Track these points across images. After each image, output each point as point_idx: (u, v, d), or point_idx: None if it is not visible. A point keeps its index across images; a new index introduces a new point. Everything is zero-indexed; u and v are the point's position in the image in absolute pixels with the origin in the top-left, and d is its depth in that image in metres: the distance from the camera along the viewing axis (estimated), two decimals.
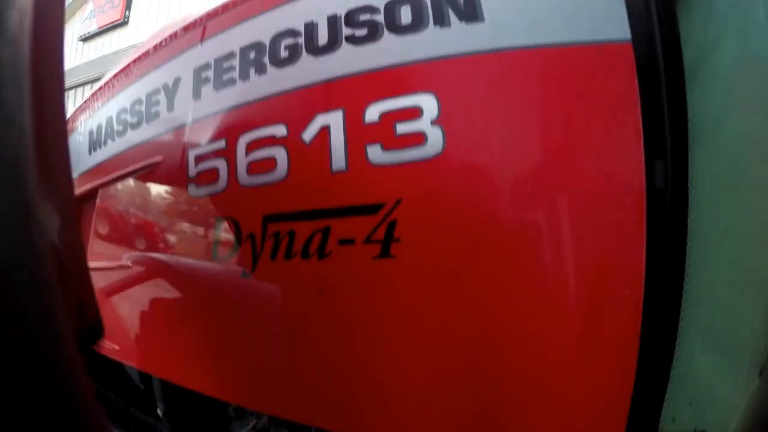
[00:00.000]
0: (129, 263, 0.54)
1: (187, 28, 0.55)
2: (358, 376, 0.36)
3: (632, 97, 0.32)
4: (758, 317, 0.31)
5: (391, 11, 0.37)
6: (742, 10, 0.36)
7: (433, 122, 0.32)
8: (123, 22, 3.77)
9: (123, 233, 0.55)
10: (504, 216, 0.31)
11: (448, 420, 0.34)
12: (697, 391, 0.33)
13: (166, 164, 0.48)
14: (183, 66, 0.51)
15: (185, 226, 0.45)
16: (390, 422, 0.36)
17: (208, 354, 0.47)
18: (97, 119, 0.63)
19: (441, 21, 0.35)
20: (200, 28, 0.52)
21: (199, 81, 0.47)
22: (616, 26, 0.35)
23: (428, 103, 0.33)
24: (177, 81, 0.52)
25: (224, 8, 0.51)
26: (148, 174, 0.51)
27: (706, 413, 0.33)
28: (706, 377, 0.31)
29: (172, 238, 0.47)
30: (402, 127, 0.33)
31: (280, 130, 0.37)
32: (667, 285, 0.31)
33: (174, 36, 0.56)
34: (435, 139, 0.32)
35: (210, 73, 0.46)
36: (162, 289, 0.50)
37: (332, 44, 0.38)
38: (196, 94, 0.47)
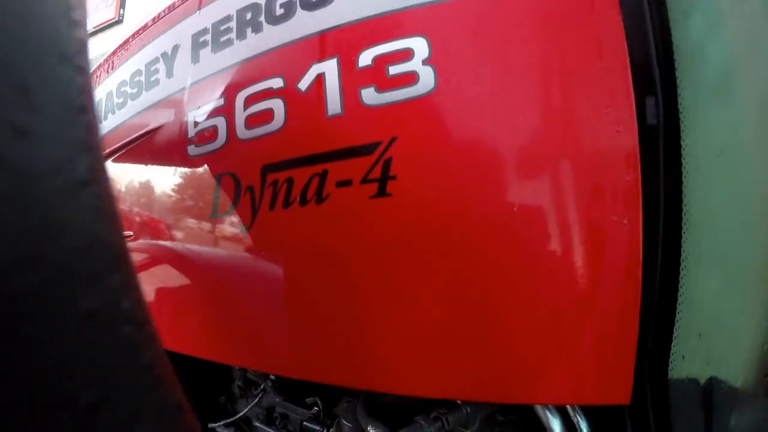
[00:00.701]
0: (131, 232, 0.55)
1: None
2: (362, 323, 0.37)
3: (619, 32, 0.33)
4: (759, 241, 0.32)
5: None
6: None
7: (424, 62, 0.34)
8: (118, 21, 3.79)
9: (125, 203, 0.56)
10: (497, 150, 0.32)
11: (452, 369, 0.35)
12: (705, 320, 0.34)
13: (166, 129, 0.50)
14: (181, 33, 0.52)
15: (185, 186, 0.46)
16: (395, 372, 0.37)
17: (209, 316, 0.48)
18: (98, 96, 0.65)
19: None
20: None
21: (197, 46, 0.49)
22: None
23: (419, 45, 0.34)
24: (176, 48, 0.53)
25: None
26: (148, 141, 0.52)
27: (717, 345, 0.34)
28: (713, 302, 0.32)
29: (171, 201, 0.48)
30: (394, 69, 0.34)
31: (276, 83, 0.38)
32: (666, 212, 0.32)
33: (172, 6, 0.58)
34: (426, 78, 0.33)
35: (208, 37, 0.48)
36: (162, 255, 0.51)
37: None
38: (195, 59, 0.48)
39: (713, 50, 0.31)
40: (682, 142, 0.31)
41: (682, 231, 0.31)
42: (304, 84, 0.37)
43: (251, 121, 0.39)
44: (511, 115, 0.31)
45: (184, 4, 0.54)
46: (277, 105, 0.38)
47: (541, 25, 0.33)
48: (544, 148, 0.31)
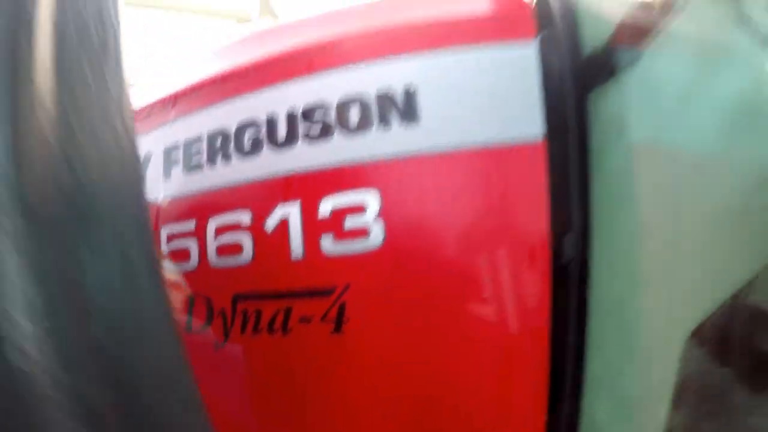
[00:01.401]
0: None
1: (158, 105, 0.60)
2: None
3: (542, 189, 0.40)
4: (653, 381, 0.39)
5: (341, 111, 0.44)
6: (646, 98, 0.44)
7: (375, 217, 0.39)
8: None
9: None
10: (433, 295, 0.38)
11: None
12: None
13: None
14: (154, 142, 0.56)
15: None
16: None
17: None
18: None
19: (385, 122, 0.42)
20: (171, 106, 0.58)
21: (169, 161, 0.53)
22: (534, 123, 0.42)
23: (372, 199, 0.39)
24: (148, 157, 0.57)
25: (193, 89, 0.57)
26: None
27: None
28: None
29: None
30: (349, 222, 0.39)
31: (245, 218, 0.43)
32: (572, 348, 0.39)
33: (146, 110, 0.61)
34: (377, 233, 0.38)
35: (180, 155, 0.52)
36: None
37: (290, 140, 0.44)
38: (167, 174, 0.52)
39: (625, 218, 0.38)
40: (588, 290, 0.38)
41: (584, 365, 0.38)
42: (270, 224, 0.42)
43: (221, 251, 0.44)
44: (447, 268, 0.37)
45: (159, 111, 0.58)
46: (245, 241, 0.42)
47: (480, 181, 0.39)
48: (473, 295, 0.37)
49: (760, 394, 0.53)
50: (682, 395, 0.43)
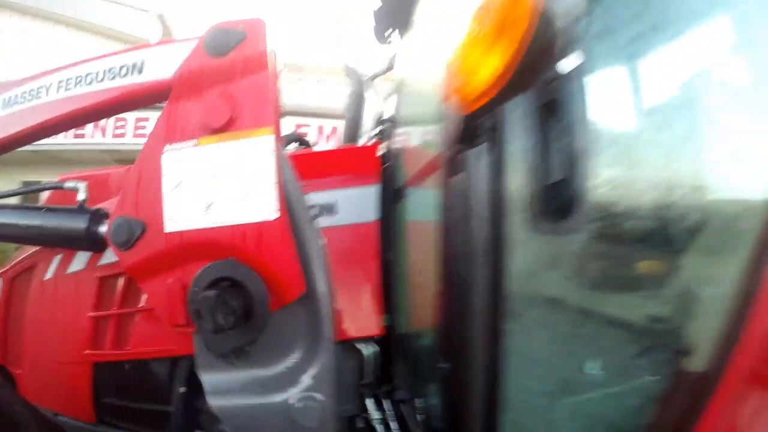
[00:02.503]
0: None
1: None
2: None
3: (375, 240, 1.12)
4: None
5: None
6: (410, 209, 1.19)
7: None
8: None
9: None
10: None
11: None
12: None
13: None
14: None
15: None
16: None
17: None
18: None
19: (329, 212, 1.11)
20: None
21: None
22: (373, 214, 1.14)
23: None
24: None
25: None
26: None
27: None
28: None
29: None
30: None
31: None
32: None
33: None
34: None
35: None
36: None
37: None
38: None
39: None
40: None
41: None
42: None
43: None
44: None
45: None
46: None
47: (353, 244, 1.10)
48: None
49: None
50: None
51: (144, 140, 0.79)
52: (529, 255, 0.63)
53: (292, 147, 1.72)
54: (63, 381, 1.13)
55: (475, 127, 0.51)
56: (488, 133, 0.55)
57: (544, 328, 0.67)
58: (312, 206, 0.83)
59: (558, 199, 0.54)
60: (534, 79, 0.44)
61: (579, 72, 0.54)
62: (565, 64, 0.50)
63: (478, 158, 0.57)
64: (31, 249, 1.15)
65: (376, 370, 1.02)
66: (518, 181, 0.58)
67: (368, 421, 1.02)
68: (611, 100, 0.63)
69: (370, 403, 0.99)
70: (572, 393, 0.78)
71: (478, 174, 0.58)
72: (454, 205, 0.64)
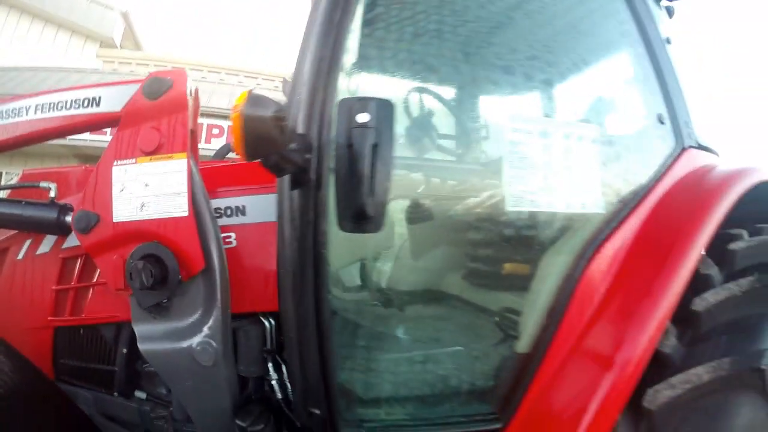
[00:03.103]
0: None
1: None
2: None
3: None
4: None
5: (232, 211, 1.44)
6: None
7: (235, 237, 1.41)
8: None
9: None
10: None
11: None
12: None
13: None
14: None
15: None
16: None
17: None
18: None
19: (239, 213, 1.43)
20: None
21: None
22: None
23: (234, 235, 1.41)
24: None
25: None
26: None
27: None
28: None
29: None
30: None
31: None
32: None
33: None
34: (231, 239, 1.41)
35: None
36: None
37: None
38: None
39: None
40: None
41: None
42: None
43: None
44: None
45: None
46: None
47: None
48: None
49: None
50: None
51: (98, 138, 1.13)
52: (340, 249, 0.98)
53: (229, 156, 2.04)
54: (29, 344, 1.41)
55: (270, 165, 0.84)
56: (304, 163, 0.89)
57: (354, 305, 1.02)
58: (217, 208, 1.17)
59: (360, 208, 0.86)
60: (261, 151, 0.79)
61: (376, 119, 0.86)
62: (359, 118, 0.83)
63: (302, 179, 0.92)
64: (5, 235, 1.44)
65: (276, 339, 1.32)
66: (331, 194, 0.92)
67: (270, 382, 1.32)
68: (398, 139, 0.99)
69: (271, 367, 1.27)
70: (397, 360, 1.13)
71: (302, 191, 0.93)
72: (286, 211, 0.99)
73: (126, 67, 10.19)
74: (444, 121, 1.19)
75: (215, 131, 7.84)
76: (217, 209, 1.21)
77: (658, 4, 1.46)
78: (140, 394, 1.34)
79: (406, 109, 1.17)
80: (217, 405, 1.16)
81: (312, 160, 0.91)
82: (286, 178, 0.94)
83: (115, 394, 1.33)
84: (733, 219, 1.49)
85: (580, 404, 1.05)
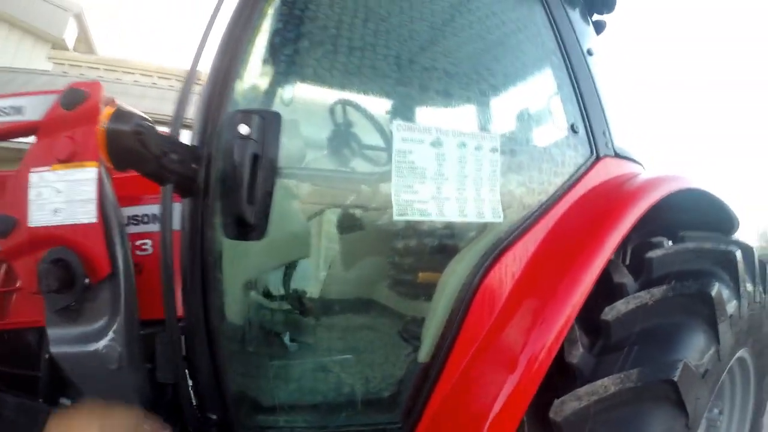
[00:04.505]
0: None
1: None
2: None
3: None
4: None
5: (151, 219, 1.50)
6: None
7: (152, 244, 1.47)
8: None
9: None
10: None
11: None
12: None
13: None
14: None
15: None
16: None
17: None
18: None
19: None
20: None
21: None
22: None
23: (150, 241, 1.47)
24: None
25: None
26: None
27: None
28: None
29: None
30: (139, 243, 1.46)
31: None
32: None
33: None
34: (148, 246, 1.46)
35: None
36: None
37: None
38: None
39: None
40: None
41: None
42: None
43: None
44: None
45: None
46: None
47: None
48: None
49: None
50: None
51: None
52: (245, 258, 1.03)
53: None
54: None
55: (147, 175, 0.90)
56: (190, 172, 0.95)
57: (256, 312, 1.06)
58: (136, 215, 1.22)
59: (240, 216, 0.91)
60: (127, 164, 0.84)
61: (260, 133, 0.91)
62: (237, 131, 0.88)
63: (189, 188, 0.98)
64: None
65: None
66: (218, 204, 0.98)
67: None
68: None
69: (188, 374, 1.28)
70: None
71: (192, 199, 0.98)
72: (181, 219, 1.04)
73: (76, 69, 9.90)
74: (341, 132, 1.24)
75: None
76: (136, 216, 1.26)
77: (586, 18, 1.51)
78: (65, 401, 1.38)
79: (307, 120, 1.23)
80: None
81: (201, 170, 0.96)
82: (169, 187, 0.99)
83: (41, 400, 1.37)
84: (667, 227, 1.52)
85: (481, 410, 1.08)
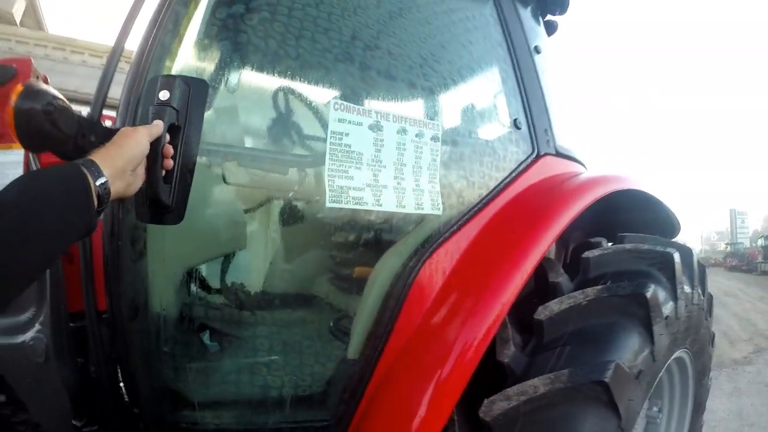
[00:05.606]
0: None
1: None
2: None
3: None
4: None
5: None
6: None
7: None
8: None
9: None
10: None
11: None
12: None
13: None
14: None
15: None
16: None
17: None
18: None
19: None
20: None
21: None
22: None
23: None
24: None
25: None
26: None
27: None
28: None
29: None
30: None
31: None
32: None
33: None
34: None
35: None
36: None
37: None
38: None
39: None
40: None
41: None
42: None
43: None
44: None
45: None
46: None
47: None
48: None
49: None
50: None
51: None
52: (152, 243, 1.00)
53: None
54: None
55: (61, 156, 0.84)
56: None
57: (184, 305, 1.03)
58: None
59: (155, 196, 0.80)
60: (40, 145, 0.79)
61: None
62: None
63: None
64: None
65: None
66: None
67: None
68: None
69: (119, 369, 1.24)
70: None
71: None
72: None
73: (23, 47, 9.60)
74: (279, 113, 1.21)
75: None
76: None
77: (537, 17, 1.52)
78: (0, 398, 1.33)
79: (243, 98, 1.19)
80: (55, 404, 1.17)
81: None
82: None
83: None
84: (611, 228, 1.55)
85: (408, 408, 1.07)
